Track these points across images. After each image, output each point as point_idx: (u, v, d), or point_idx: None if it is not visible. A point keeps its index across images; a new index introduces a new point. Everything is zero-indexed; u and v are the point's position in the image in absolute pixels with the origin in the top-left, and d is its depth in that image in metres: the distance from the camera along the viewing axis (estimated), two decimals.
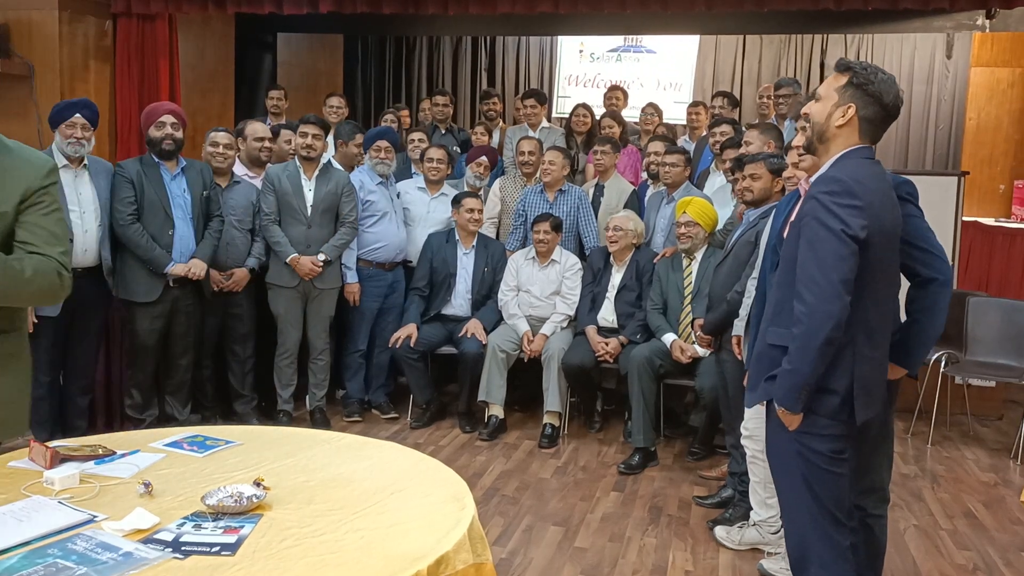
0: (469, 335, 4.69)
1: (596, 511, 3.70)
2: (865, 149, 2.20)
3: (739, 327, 3.38)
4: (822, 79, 8.13)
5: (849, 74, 2.17)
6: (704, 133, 5.86)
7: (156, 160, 4.05)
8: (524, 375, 5.00)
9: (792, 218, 2.34)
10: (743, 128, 4.91)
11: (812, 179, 2.25)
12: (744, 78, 8.45)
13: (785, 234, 2.42)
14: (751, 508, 3.34)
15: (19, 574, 1.60)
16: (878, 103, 2.17)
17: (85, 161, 3.88)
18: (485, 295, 4.91)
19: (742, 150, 4.06)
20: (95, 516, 1.86)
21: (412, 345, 4.67)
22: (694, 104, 6.29)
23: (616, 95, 6.58)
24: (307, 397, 4.75)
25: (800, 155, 2.65)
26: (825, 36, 8.29)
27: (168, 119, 4.02)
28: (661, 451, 4.41)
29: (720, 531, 3.43)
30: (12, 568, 1.61)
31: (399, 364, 4.86)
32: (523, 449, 4.48)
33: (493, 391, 4.64)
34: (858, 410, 2.17)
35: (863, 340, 2.17)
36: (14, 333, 2.08)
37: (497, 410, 4.69)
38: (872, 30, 7.28)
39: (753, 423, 3.22)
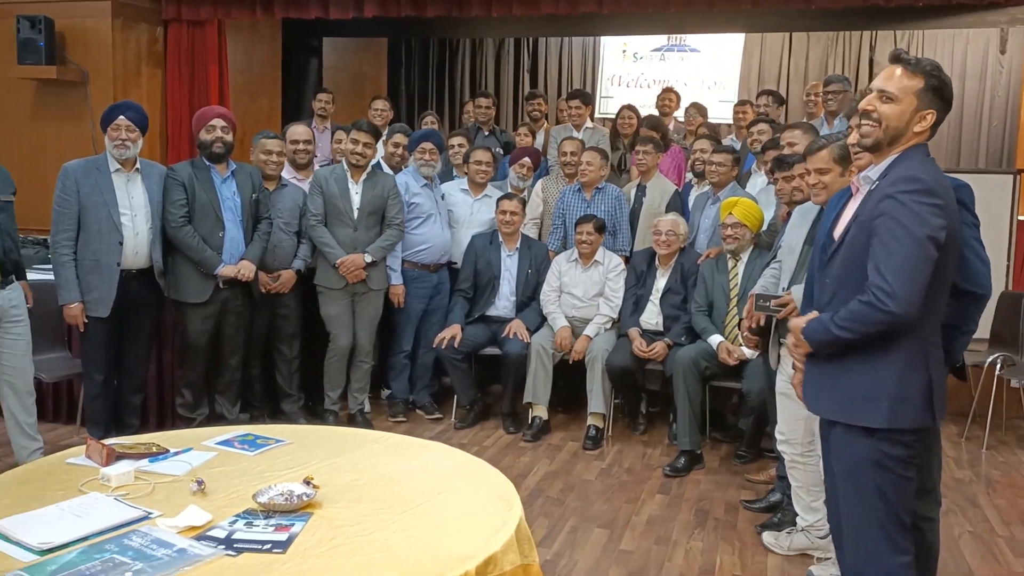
0: (512, 335, 4.70)
1: (641, 513, 3.67)
2: (925, 147, 2.19)
3: None
4: (871, 76, 7.98)
5: (924, 77, 2.13)
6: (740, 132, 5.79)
7: (207, 163, 4.11)
8: (567, 376, 4.98)
9: (847, 215, 2.29)
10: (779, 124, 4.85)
11: (869, 175, 2.22)
12: (791, 75, 8.32)
13: (838, 233, 2.37)
14: (798, 513, 3.29)
15: (77, 569, 1.63)
16: (948, 105, 2.18)
17: (137, 164, 3.95)
18: (529, 296, 4.91)
19: (785, 150, 4.00)
20: (150, 513, 1.90)
21: (456, 346, 4.69)
22: (740, 103, 6.22)
23: (669, 97, 6.54)
24: (349, 399, 4.78)
25: (856, 153, 2.60)
26: (874, 32, 8.12)
27: (218, 123, 4.08)
28: (707, 454, 4.36)
29: (768, 536, 3.38)
30: (71, 563, 1.65)
31: (443, 365, 4.88)
32: (567, 450, 4.46)
33: (539, 392, 4.64)
34: (937, 409, 2.17)
35: (933, 340, 2.18)
36: None
37: (541, 411, 4.68)
38: (923, 26, 7.12)
39: (788, 427, 3.17)
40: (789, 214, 3.75)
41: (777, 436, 3.24)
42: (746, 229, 4.24)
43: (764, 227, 4.35)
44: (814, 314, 2.26)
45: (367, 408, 4.79)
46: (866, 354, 2.15)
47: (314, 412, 4.75)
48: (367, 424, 4.63)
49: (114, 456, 2.15)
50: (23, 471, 2.17)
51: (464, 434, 4.69)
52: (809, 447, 3.07)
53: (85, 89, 5.59)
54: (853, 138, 2.59)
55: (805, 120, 5.47)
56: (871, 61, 8.18)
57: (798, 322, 2.28)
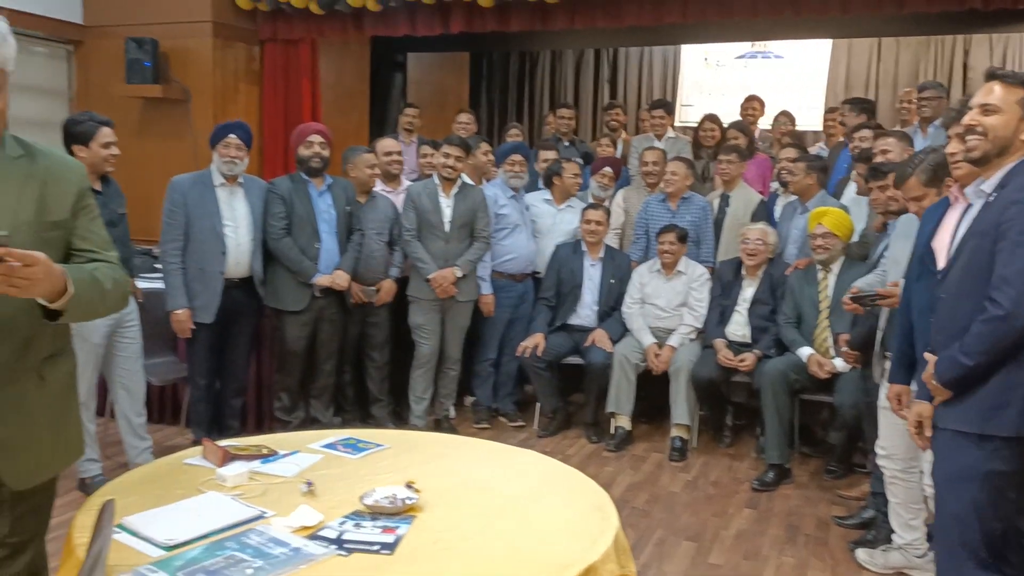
0: (595, 344, 4.71)
1: (730, 527, 3.64)
2: None
3: None
4: (965, 81, 7.72)
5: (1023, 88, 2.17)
6: (840, 139, 5.68)
7: (305, 178, 4.28)
8: (650, 387, 4.97)
9: (948, 227, 2.29)
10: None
11: (983, 188, 2.22)
12: (880, 81, 8.10)
13: (939, 245, 2.35)
14: (893, 531, 3.22)
15: (202, 564, 1.73)
16: None
17: (240, 179, 4.14)
18: (611, 307, 4.92)
19: (878, 158, 3.92)
20: (264, 512, 1.99)
21: (539, 355, 4.73)
22: (831, 110, 6.11)
23: (753, 105, 6.47)
24: (435, 405, 4.87)
25: (955, 163, 2.56)
26: (968, 36, 7.85)
27: (316, 139, 4.25)
28: (796, 468, 4.29)
29: (862, 554, 3.32)
30: (196, 559, 1.76)
31: (526, 373, 4.94)
32: (651, 461, 4.46)
33: (621, 402, 4.64)
34: None
35: None
36: (69, 351, 1.94)
37: (624, 421, 4.69)
38: (1021, 29, 6.85)
39: (889, 442, 3.11)
40: (884, 224, 3.69)
41: (878, 451, 3.18)
42: (836, 239, 4.17)
43: (855, 237, 4.27)
44: (931, 358, 2.25)
45: (452, 414, 4.89)
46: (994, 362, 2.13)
47: (402, 417, 4.86)
48: (452, 430, 4.71)
49: (228, 457, 2.26)
50: (145, 471, 2.30)
51: (547, 442, 4.73)
52: (911, 463, 3.01)
53: (187, 107, 5.84)
54: (953, 147, 2.55)
55: (899, 127, 5.35)
56: (965, 66, 7.90)
57: (927, 375, 2.26)
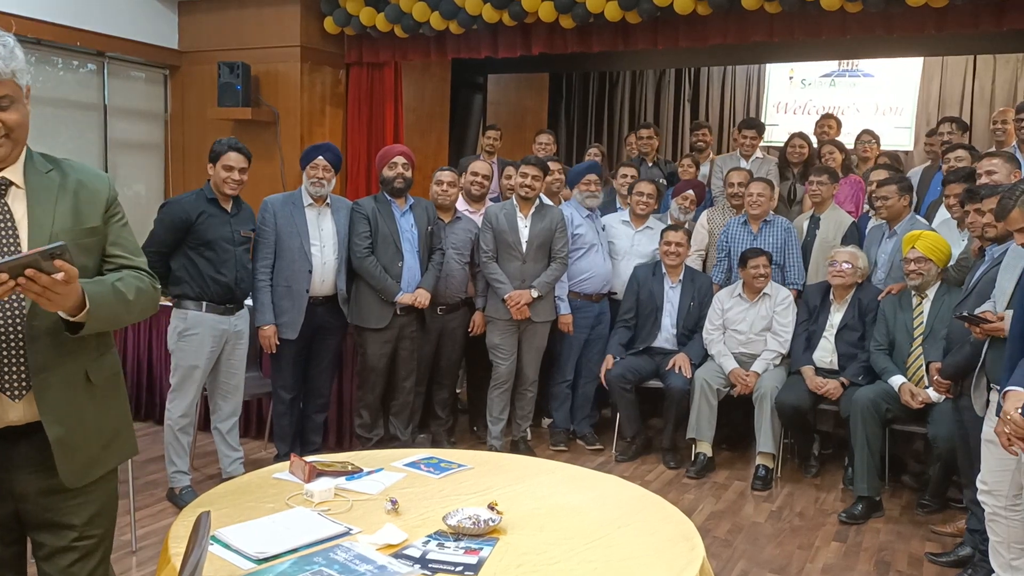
0: (676, 369, 4.64)
1: (816, 561, 3.51)
2: None
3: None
4: None
5: None
6: (934, 162, 5.47)
7: (388, 198, 4.35)
8: (731, 413, 4.86)
9: None
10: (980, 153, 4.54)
11: None
12: (975, 100, 7.79)
13: None
14: (993, 571, 3.05)
15: None
16: None
17: (328, 200, 4.24)
18: (691, 329, 4.84)
19: (983, 180, 3.76)
20: (350, 529, 2.01)
21: (607, 369, 4.68)
22: (931, 134, 5.89)
23: (828, 124, 6.29)
24: (512, 427, 4.86)
25: None
26: None
27: (400, 160, 4.33)
28: (886, 501, 4.12)
29: None
30: (286, 573, 1.78)
31: (604, 395, 4.88)
32: (733, 490, 4.34)
33: (702, 428, 4.54)
34: None
35: None
36: (112, 352, 2.01)
37: (705, 448, 4.58)
38: None
39: (993, 477, 2.95)
40: (981, 249, 3.54)
41: (979, 486, 3.02)
42: (931, 264, 4.01)
43: (952, 261, 4.10)
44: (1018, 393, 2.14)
45: (529, 436, 4.86)
46: None
47: (479, 437, 4.86)
48: (529, 452, 4.69)
49: (315, 473, 2.30)
50: (236, 483, 2.36)
51: (625, 467, 4.66)
52: (1015, 500, 2.85)
53: (275, 128, 6.03)
54: None
55: (994, 148, 5.13)
56: None
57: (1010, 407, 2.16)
